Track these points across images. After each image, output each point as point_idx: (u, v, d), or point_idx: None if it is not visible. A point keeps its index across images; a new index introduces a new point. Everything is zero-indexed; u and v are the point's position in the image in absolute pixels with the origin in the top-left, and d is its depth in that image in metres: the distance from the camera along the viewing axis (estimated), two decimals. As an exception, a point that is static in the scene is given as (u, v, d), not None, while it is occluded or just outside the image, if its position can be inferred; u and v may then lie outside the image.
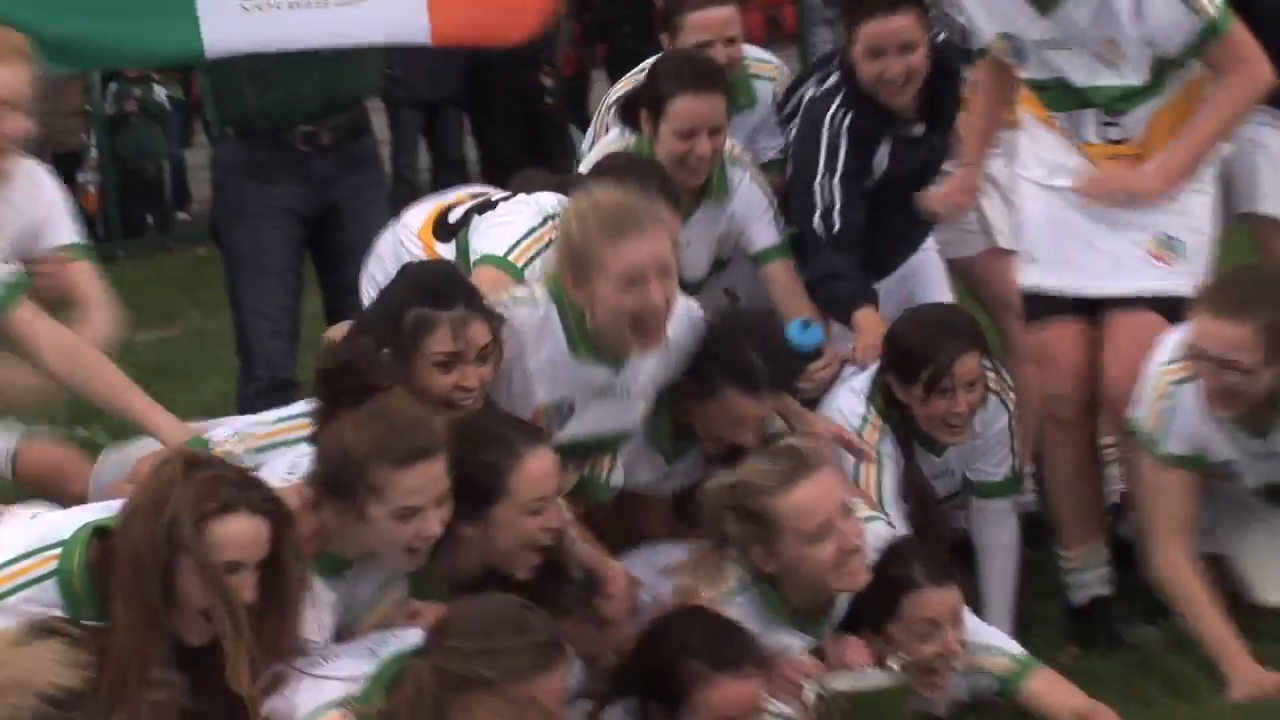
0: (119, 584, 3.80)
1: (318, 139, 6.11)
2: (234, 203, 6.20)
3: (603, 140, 5.98)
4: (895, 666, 4.50)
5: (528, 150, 12.54)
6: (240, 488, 3.86)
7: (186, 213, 14.95)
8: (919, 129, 5.64)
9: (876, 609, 4.61)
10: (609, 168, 5.31)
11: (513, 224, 5.08)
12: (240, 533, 3.82)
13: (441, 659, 3.89)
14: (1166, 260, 5.12)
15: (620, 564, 4.70)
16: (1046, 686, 4.69)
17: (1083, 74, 5.08)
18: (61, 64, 5.61)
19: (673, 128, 5.51)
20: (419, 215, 5.40)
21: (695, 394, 4.97)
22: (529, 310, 4.67)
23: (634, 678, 4.35)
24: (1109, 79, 5.05)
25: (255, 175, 6.11)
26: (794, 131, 5.83)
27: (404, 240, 5.32)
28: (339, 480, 4.13)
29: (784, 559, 4.52)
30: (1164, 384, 4.90)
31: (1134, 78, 5.03)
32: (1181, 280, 5.07)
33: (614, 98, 6.27)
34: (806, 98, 5.78)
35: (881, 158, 5.60)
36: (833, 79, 5.66)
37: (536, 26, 6.37)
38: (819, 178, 5.55)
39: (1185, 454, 4.91)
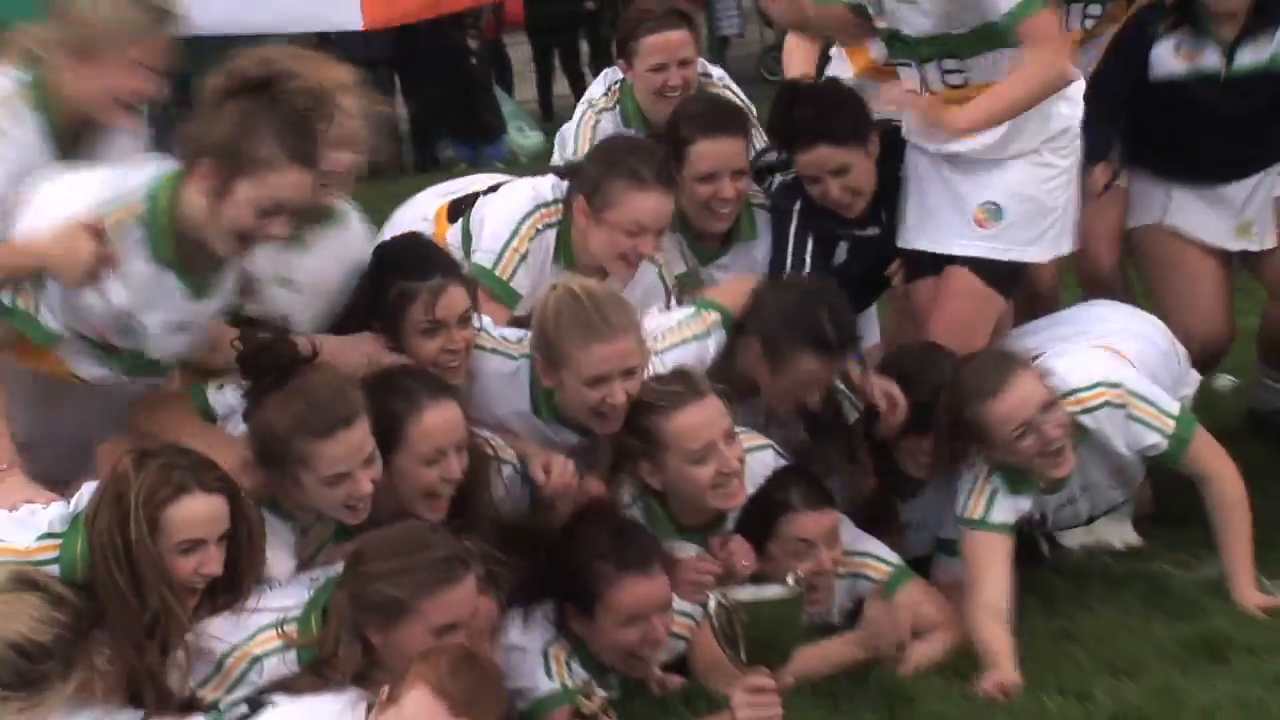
0: (95, 575, 3.97)
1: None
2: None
3: None
4: (791, 581, 4.64)
5: (455, 107, 12.82)
6: (193, 470, 4.03)
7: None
8: (872, 230, 5.59)
9: (757, 529, 4.83)
10: (608, 150, 5.38)
11: (506, 213, 5.20)
12: (197, 511, 4.01)
13: (355, 585, 4.10)
14: (986, 225, 5.33)
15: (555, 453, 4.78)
16: (918, 595, 4.93)
17: (931, 24, 5.21)
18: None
19: (694, 172, 5.43)
20: (432, 205, 5.52)
21: (768, 359, 5.03)
22: (501, 361, 4.85)
23: (549, 582, 4.51)
24: (956, 27, 5.18)
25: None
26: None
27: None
28: (270, 455, 4.32)
29: (668, 475, 4.72)
30: (981, 480, 4.96)
31: (991, 14, 5.14)
32: (998, 244, 5.32)
33: (590, 98, 6.31)
34: (777, 183, 5.69)
35: (841, 252, 5.59)
36: (793, 173, 5.59)
37: None
38: (788, 269, 5.53)
39: (1009, 520, 4.95)
